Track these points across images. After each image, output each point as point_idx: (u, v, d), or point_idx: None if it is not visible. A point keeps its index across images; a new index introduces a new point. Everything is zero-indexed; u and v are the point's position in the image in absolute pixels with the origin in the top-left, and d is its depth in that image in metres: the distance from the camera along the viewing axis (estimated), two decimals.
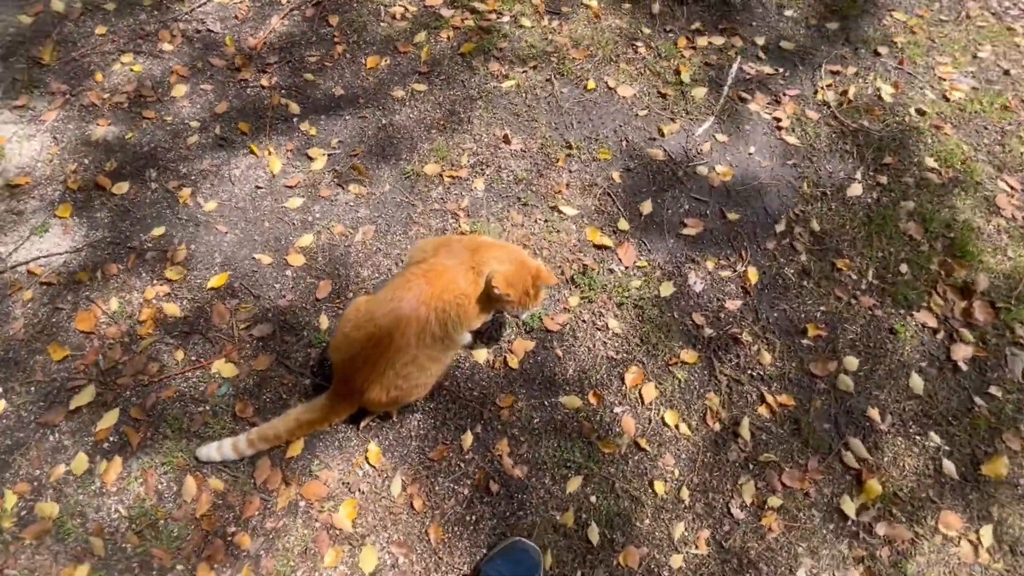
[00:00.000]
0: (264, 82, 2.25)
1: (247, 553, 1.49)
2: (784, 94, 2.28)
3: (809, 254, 1.94)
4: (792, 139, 2.18)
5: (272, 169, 2.06)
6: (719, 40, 2.40)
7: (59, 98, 2.17)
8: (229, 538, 1.50)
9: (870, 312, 1.85)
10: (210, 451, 1.56)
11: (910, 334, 1.81)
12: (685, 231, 1.98)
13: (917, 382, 1.74)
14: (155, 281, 1.85)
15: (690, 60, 2.35)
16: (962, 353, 1.78)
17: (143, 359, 1.72)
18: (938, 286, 1.89)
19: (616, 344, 1.78)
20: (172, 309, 1.79)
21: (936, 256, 1.94)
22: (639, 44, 2.39)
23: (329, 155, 2.10)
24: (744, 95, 2.27)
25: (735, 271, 1.91)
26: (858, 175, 2.10)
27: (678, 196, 2.05)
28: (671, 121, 2.21)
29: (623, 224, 1.98)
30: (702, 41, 2.40)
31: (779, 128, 2.21)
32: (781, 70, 2.35)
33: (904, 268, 1.91)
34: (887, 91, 2.29)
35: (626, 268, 1.91)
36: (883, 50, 2.39)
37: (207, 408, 1.66)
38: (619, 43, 2.39)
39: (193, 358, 1.73)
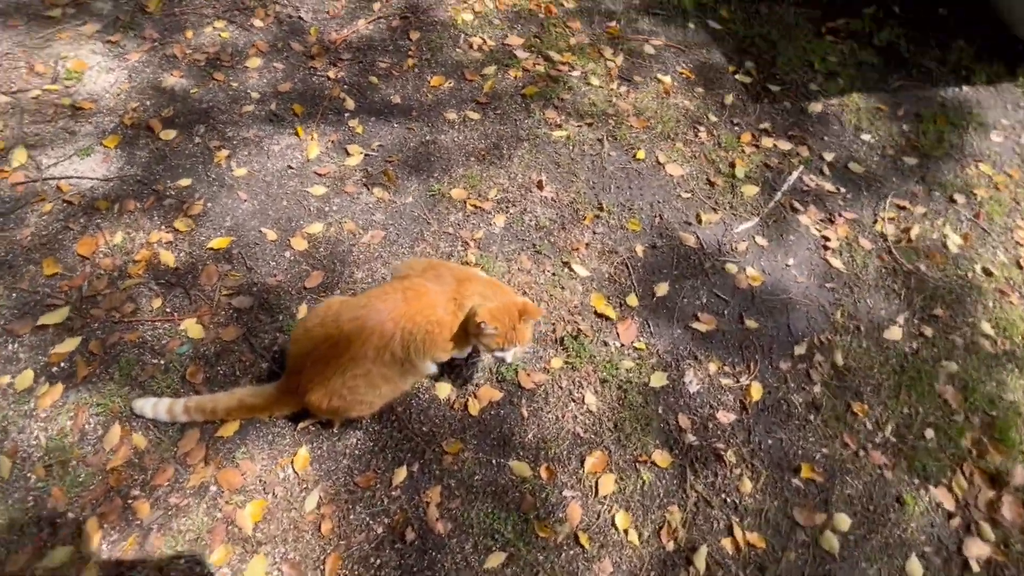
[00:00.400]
0: (331, 74, 2.33)
1: (140, 523, 1.40)
2: (840, 215, 2.15)
3: (824, 387, 1.76)
4: (837, 262, 2.03)
5: (309, 154, 2.09)
6: (785, 145, 2.32)
7: (148, 43, 2.33)
8: (129, 501, 1.43)
9: (879, 471, 1.63)
10: (145, 406, 1.51)
11: (920, 510, 1.58)
12: (696, 325, 1.84)
13: (916, 568, 1.50)
14: (163, 227, 1.88)
15: (749, 157, 2.27)
16: (977, 550, 1.53)
17: (122, 296, 1.72)
18: (965, 466, 1.65)
19: (587, 422, 1.64)
20: (167, 257, 1.81)
21: (970, 431, 1.71)
22: (701, 129, 2.33)
23: (366, 155, 2.12)
24: (797, 205, 2.16)
25: (738, 382, 1.75)
26: (901, 319, 1.91)
27: (698, 287, 1.93)
28: (713, 211, 2.11)
29: (632, 299, 1.87)
30: (767, 142, 2.32)
31: (826, 247, 2.07)
32: (843, 190, 2.22)
33: (930, 434, 1.70)
34: (955, 240, 2.12)
35: (622, 345, 1.78)
36: (960, 198, 2.24)
37: (161, 362, 1.63)
38: (681, 123, 2.35)
39: (168, 310, 1.72)
